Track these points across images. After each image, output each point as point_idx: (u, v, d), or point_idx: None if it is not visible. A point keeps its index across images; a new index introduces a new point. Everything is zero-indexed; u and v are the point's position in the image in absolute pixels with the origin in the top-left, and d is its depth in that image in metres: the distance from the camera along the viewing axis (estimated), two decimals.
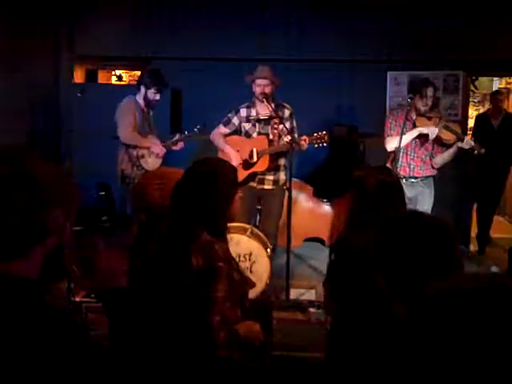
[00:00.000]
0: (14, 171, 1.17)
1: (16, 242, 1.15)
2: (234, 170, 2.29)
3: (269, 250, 4.23)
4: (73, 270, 2.53)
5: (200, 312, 2.03)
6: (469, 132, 7.85)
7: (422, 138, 4.49)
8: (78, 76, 6.54)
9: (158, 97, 4.75)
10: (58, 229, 1.20)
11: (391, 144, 4.49)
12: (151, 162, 4.73)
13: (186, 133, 4.90)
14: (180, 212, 2.13)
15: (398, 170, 4.45)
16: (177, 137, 4.88)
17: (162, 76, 4.77)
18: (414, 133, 4.42)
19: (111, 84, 7.47)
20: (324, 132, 4.25)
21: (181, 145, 4.90)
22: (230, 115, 4.61)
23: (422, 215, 1.59)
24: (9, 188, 1.15)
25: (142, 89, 4.71)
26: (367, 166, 2.55)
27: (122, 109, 4.69)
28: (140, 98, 4.76)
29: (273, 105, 4.37)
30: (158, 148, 4.71)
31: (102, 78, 7.11)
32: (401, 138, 4.35)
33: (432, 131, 4.40)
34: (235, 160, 4.46)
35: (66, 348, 1.13)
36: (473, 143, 4.47)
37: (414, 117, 4.50)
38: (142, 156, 4.70)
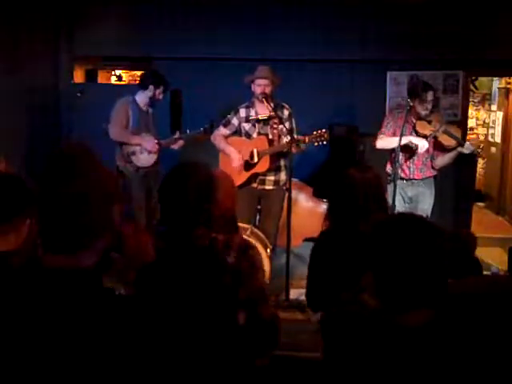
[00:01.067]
0: (91, 174, 1.27)
1: (85, 236, 1.24)
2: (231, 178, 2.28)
3: (269, 249, 4.23)
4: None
5: (252, 309, 1.97)
6: (469, 132, 7.87)
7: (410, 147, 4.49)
8: (78, 76, 6.54)
9: (162, 96, 4.91)
10: (115, 224, 1.31)
11: (380, 143, 4.56)
12: (143, 159, 4.86)
13: (188, 132, 4.96)
14: (177, 217, 2.09)
15: (399, 171, 4.46)
16: (176, 135, 4.96)
17: (163, 76, 4.93)
18: (404, 140, 4.43)
19: (111, 84, 7.48)
20: (324, 130, 4.26)
21: (180, 143, 4.95)
22: (229, 116, 4.62)
23: (418, 220, 1.58)
24: (80, 189, 1.23)
25: (151, 87, 4.81)
26: (352, 167, 2.62)
27: (116, 108, 4.84)
28: (144, 97, 4.87)
29: (272, 105, 4.37)
30: (150, 145, 4.81)
31: (101, 78, 7.11)
32: (400, 139, 4.36)
33: (422, 144, 4.40)
34: (237, 161, 4.48)
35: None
36: (472, 148, 4.48)
37: (415, 120, 4.49)
38: (133, 153, 4.83)
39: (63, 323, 1.19)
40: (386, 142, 4.54)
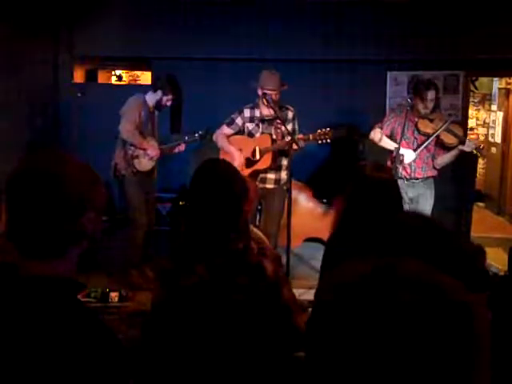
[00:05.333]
0: (54, 177, 1.22)
1: (56, 243, 1.21)
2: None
3: None
4: None
5: (287, 318, 1.95)
6: (469, 132, 7.87)
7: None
8: (78, 76, 6.54)
9: (169, 103, 4.80)
10: (93, 230, 1.26)
11: (374, 135, 4.61)
12: (144, 163, 4.77)
13: (186, 138, 4.93)
14: (215, 221, 2.01)
15: (400, 170, 4.46)
16: (177, 142, 4.91)
17: (178, 83, 4.80)
18: (394, 145, 4.44)
19: (111, 84, 7.48)
20: (328, 129, 4.28)
21: (179, 148, 4.93)
22: (233, 116, 4.63)
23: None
24: (50, 192, 1.19)
25: (159, 92, 4.71)
26: (368, 163, 2.49)
27: (130, 104, 4.68)
28: (151, 99, 4.75)
29: (276, 108, 4.39)
30: (154, 151, 4.73)
31: (101, 78, 7.12)
32: (401, 139, 4.36)
33: (408, 155, 4.41)
34: (238, 160, 4.49)
35: (98, 344, 1.17)
36: (474, 145, 4.47)
37: (417, 119, 4.49)
38: (137, 156, 4.73)
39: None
40: (378, 137, 4.57)
